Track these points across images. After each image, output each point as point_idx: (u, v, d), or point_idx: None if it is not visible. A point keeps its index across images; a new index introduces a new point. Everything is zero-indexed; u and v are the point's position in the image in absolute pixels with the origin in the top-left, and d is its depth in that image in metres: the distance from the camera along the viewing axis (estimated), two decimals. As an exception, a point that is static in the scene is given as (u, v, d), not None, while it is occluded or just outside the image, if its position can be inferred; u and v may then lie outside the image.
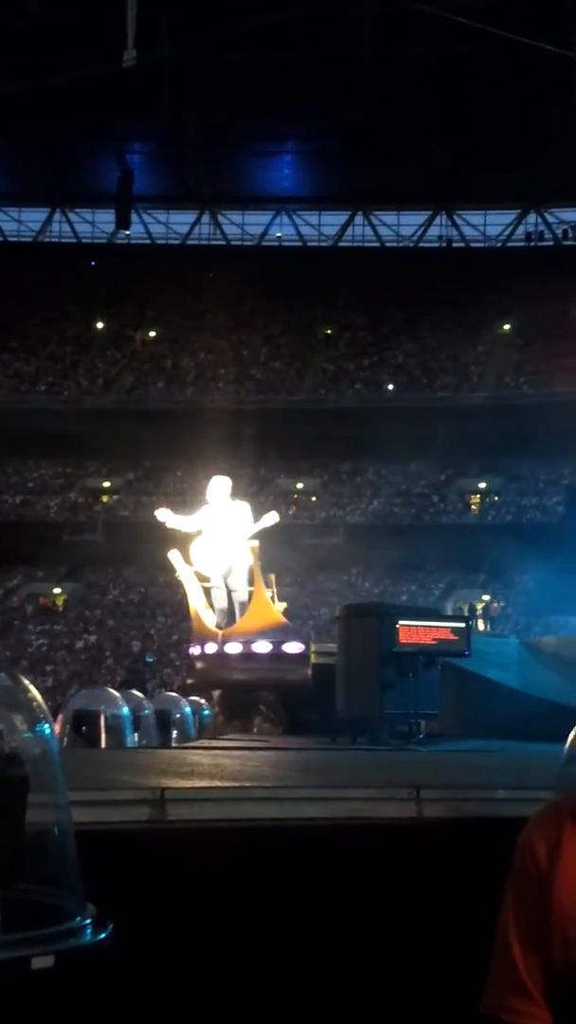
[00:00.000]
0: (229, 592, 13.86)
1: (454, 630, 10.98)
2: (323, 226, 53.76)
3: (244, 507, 14.24)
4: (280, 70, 39.14)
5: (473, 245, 53.10)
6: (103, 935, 1.95)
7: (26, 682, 2.12)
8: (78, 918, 1.96)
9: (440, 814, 3.49)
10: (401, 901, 3.24)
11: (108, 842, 2.82)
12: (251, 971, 3.05)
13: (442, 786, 3.93)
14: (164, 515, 14.27)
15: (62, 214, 54.01)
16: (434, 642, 10.65)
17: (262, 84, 39.77)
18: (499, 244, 53.03)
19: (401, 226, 53.44)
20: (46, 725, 2.10)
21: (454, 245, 53.01)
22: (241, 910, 3.05)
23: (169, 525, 14.23)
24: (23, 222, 54.47)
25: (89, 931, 1.94)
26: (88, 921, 1.96)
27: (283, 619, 13.89)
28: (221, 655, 13.44)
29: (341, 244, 53.61)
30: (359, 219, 53.35)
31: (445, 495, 46.34)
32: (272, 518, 14.09)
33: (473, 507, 46.29)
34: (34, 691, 2.11)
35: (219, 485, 14.40)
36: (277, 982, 3.08)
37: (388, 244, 53.32)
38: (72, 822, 2.06)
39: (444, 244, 53.20)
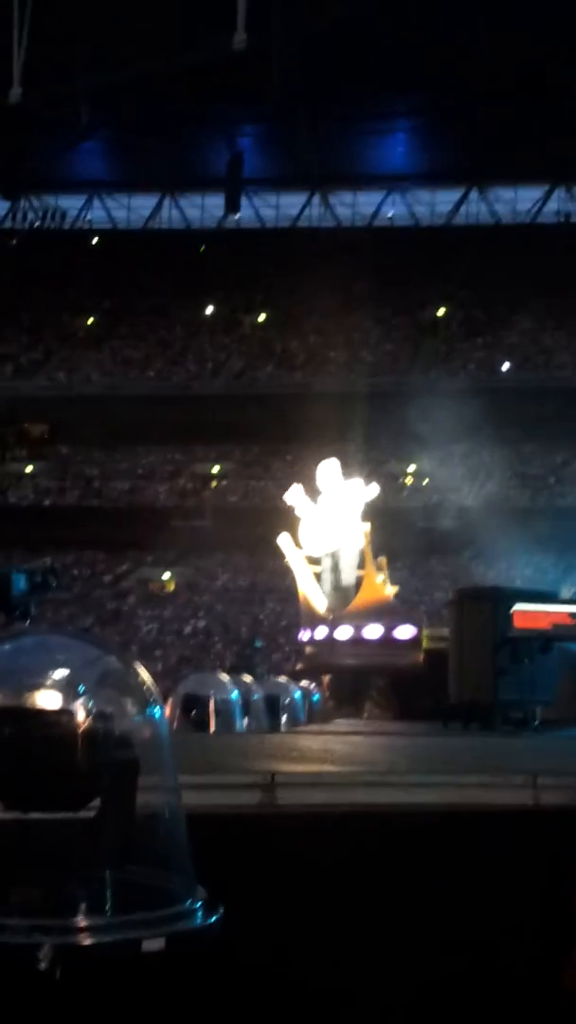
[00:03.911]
0: (337, 576, 13.82)
1: (572, 614, 10.77)
2: (436, 204, 53.20)
3: (357, 484, 14.20)
4: (390, 46, 38.74)
5: (591, 220, 52.04)
6: (214, 918, 1.95)
7: (137, 665, 2.12)
8: (188, 901, 1.96)
9: (558, 801, 3.41)
10: (518, 889, 3.18)
11: (219, 826, 2.81)
12: (360, 957, 3.02)
13: (560, 773, 3.84)
14: (294, 496, 14.19)
15: (172, 200, 54.47)
16: (550, 626, 10.46)
17: (372, 61, 39.44)
18: (619, 219, 51.86)
19: (518, 201, 52.58)
20: (156, 708, 2.10)
21: (572, 220, 51.98)
22: (351, 896, 3.02)
23: (297, 508, 14.15)
24: (133, 209, 55.08)
25: (200, 914, 1.94)
26: (199, 904, 1.95)
27: (393, 600, 13.81)
28: (331, 640, 13.44)
29: (454, 223, 53.00)
30: (474, 195, 52.66)
31: (562, 477, 45.57)
32: (373, 490, 14.03)
33: (590, 489, 45.43)
34: (145, 674, 2.11)
35: (328, 469, 14.38)
36: (386, 968, 3.04)
37: (504, 221, 52.53)
38: (182, 805, 2.05)
39: (562, 219, 52.21)
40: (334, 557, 13.79)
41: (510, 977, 3.12)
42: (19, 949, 1.74)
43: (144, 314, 51.54)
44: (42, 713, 1.92)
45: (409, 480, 46.53)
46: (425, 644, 12.92)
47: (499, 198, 52.52)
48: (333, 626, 13.39)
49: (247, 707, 11.68)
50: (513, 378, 45.88)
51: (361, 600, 13.50)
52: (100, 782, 1.91)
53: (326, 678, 14.20)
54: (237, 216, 49.82)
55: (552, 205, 52.50)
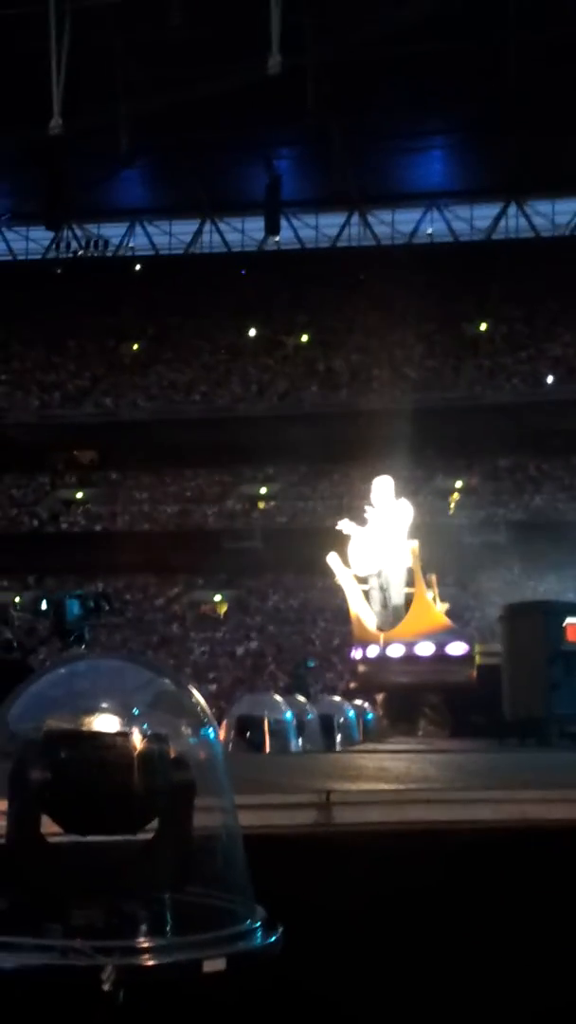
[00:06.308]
0: (387, 594, 13.81)
1: (623, 626, 10.67)
2: (475, 219, 53.15)
3: (405, 505, 14.22)
4: (424, 64, 38.83)
5: (631, 230, 51.74)
6: (273, 938, 1.95)
7: (190, 687, 2.14)
8: (248, 920, 1.96)
9: (615, 816, 3.38)
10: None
11: (275, 845, 2.82)
12: (419, 977, 3.01)
13: (616, 787, 3.80)
14: (347, 526, 14.28)
15: (212, 224, 54.86)
16: (602, 639, 10.39)
17: (406, 79, 39.55)
18: None
19: (556, 214, 52.43)
20: (211, 729, 2.11)
21: (611, 231, 51.75)
22: (408, 914, 3.01)
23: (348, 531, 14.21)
24: (174, 235, 55.52)
25: (260, 934, 1.95)
26: (258, 924, 1.96)
27: (445, 620, 13.78)
28: (383, 658, 13.41)
29: (494, 237, 52.92)
30: (512, 210, 52.56)
31: (609, 489, 45.19)
32: (407, 509, 14.05)
33: None
34: (198, 696, 2.12)
35: (383, 486, 14.41)
36: (445, 989, 3.03)
37: (543, 234, 52.37)
38: (239, 825, 2.06)
39: (601, 230, 52.02)
40: (382, 575, 13.76)
41: (569, 993, 3.09)
42: (83, 971, 1.76)
43: (188, 338, 51.87)
44: (98, 736, 1.95)
45: (456, 496, 46.32)
46: (478, 660, 12.87)
47: (537, 211, 52.37)
48: (385, 644, 13.35)
49: (301, 727, 11.66)
50: (557, 390, 45.60)
51: (412, 618, 13.46)
52: (157, 804, 1.92)
53: (379, 696, 14.17)
54: (277, 238, 50.07)
55: (592, 216, 52.29)
